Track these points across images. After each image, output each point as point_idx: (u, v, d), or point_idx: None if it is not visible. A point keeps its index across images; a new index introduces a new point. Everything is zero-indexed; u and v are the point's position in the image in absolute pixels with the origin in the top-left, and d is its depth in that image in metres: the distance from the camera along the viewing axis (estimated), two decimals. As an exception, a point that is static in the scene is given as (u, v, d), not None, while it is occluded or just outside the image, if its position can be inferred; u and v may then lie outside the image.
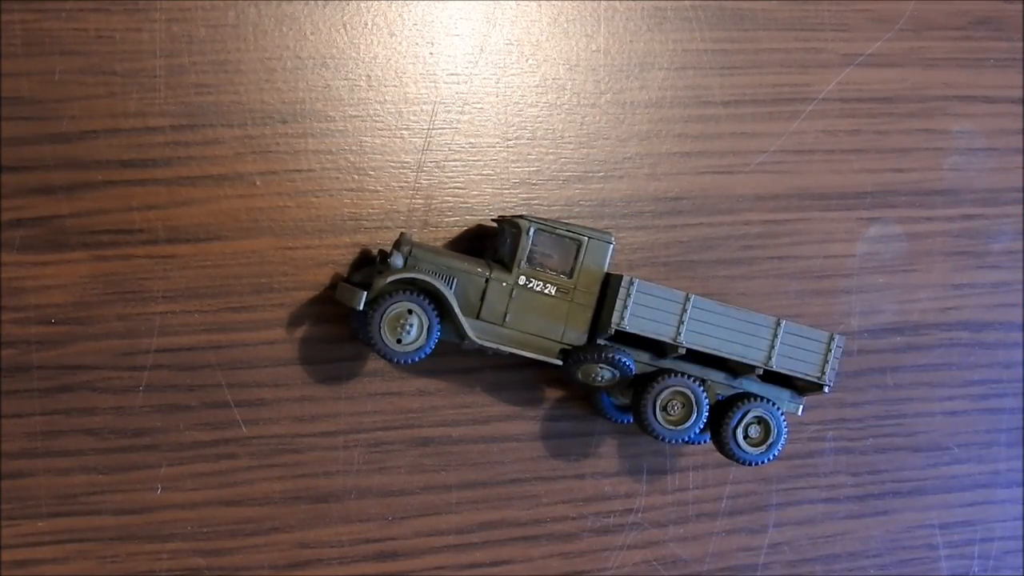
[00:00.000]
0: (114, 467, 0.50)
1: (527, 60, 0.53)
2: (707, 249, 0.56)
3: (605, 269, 0.49)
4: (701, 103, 0.55)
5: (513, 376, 0.54)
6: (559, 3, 0.53)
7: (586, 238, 0.49)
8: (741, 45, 0.55)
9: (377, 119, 0.52)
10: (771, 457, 0.51)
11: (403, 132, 0.52)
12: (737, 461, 0.51)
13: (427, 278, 0.47)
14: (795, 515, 0.58)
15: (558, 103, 0.54)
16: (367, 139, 0.51)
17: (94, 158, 0.49)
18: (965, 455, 0.60)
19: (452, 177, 0.53)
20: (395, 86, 0.52)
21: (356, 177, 0.51)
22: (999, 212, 0.59)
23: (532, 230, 0.49)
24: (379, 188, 0.52)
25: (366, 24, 0.51)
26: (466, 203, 0.53)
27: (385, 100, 0.52)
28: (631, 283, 0.48)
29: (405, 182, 0.52)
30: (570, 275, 0.49)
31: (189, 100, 0.49)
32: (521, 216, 0.49)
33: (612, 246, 0.49)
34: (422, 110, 0.52)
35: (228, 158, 0.50)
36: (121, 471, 0.50)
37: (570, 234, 0.49)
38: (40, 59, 0.48)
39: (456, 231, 0.53)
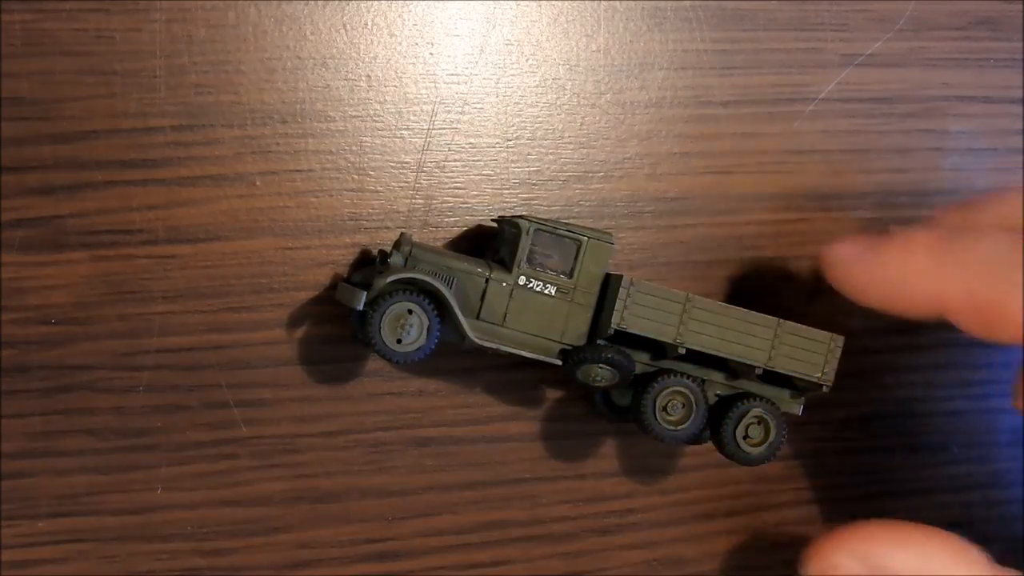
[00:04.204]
0: (114, 467, 0.50)
1: (527, 60, 0.53)
2: (707, 249, 0.56)
3: (605, 269, 0.49)
4: (701, 103, 0.55)
5: (513, 376, 0.54)
6: (559, 3, 0.53)
7: (586, 238, 0.49)
8: (741, 45, 0.55)
9: (377, 119, 0.52)
10: (771, 457, 0.51)
11: (403, 132, 0.52)
12: (737, 461, 0.51)
13: (427, 278, 0.47)
14: (794, 515, 0.58)
15: (558, 103, 0.54)
16: (367, 139, 0.51)
17: (94, 158, 0.49)
18: (965, 455, 0.60)
19: (452, 177, 0.53)
20: (395, 86, 0.52)
21: (356, 177, 0.51)
22: (999, 212, 0.59)
23: (532, 230, 0.49)
24: (379, 188, 0.52)
25: (366, 24, 0.51)
26: (466, 203, 0.53)
27: (385, 100, 0.52)
28: (631, 283, 0.48)
29: (405, 182, 0.52)
30: (570, 275, 0.49)
31: (189, 100, 0.49)
32: (521, 216, 0.49)
33: (613, 246, 0.49)
34: (422, 110, 0.52)
35: (228, 158, 0.50)
36: (121, 471, 0.50)
37: (570, 234, 0.49)
38: (40, 59, 0.48)
39: (456, 231, 0.53)
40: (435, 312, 0.47)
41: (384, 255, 0.49)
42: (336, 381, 0.52)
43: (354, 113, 0.51)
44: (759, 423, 0.51)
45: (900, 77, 0.57)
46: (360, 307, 0.47)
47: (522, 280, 0.49)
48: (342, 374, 0.52)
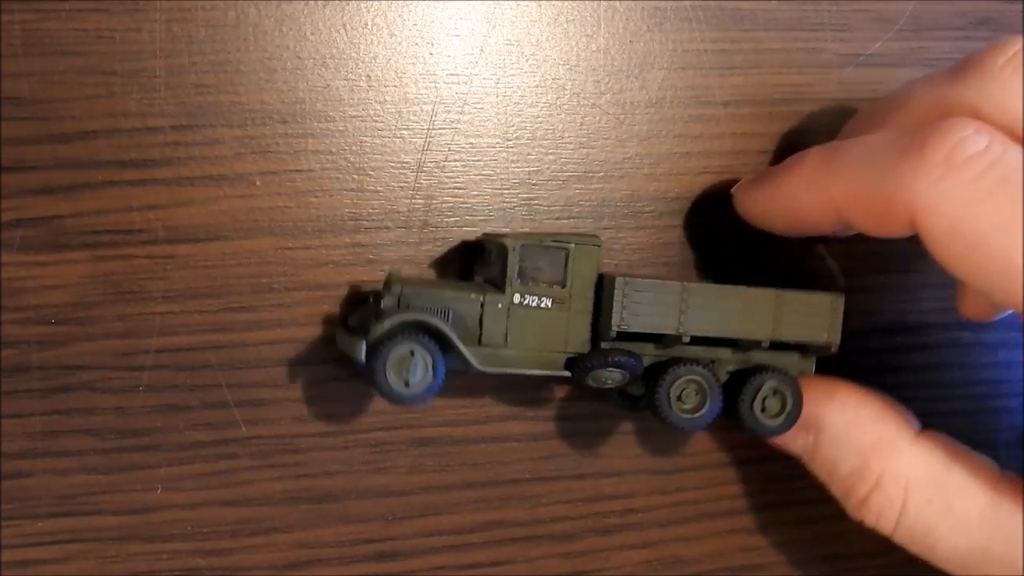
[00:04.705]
0: (114, 467, 0.50)
1: (527, 60, 0.53)
2: (707, 249, 0.56)
3: (596, 272, 0.50)
4: (701, 103, 0.55)
5: (513, 376, 0.54)
6: (559, 3, 0.53)
7: (572, 245, 0.49)
8: (741, 45, 0.55)
9: (377, 119, 0.52)
10: (792, 425, 0.51)
11: (403, 132, 0.52)
12: (759, 435, 0.51)
13: (424, 317, 0.47)
14: (795, 515, 0.58)
15: (558, 103, 0.54)
16: (367, 139, 0.51)
17: (94, 158, 0.49)
18: (965, 455, 0.60)
19: (452, 177, 0.53)
20: (395, 86, 0.52)
21: (356, 177, 0.51)
22: (999, 212, 0.59)
23: (518, 247, 0.49)
24: (379, 188, 0.52)
25: (366, 24, 0.51)
26: (466, 203, 0.53)
27: (385, 100, 0.52)
28: (625, 283, 0.48)
29: (405, 182, 0.52)
30: (563, 284, 0.49)
31: (189, 100, 0.49)
32: (504, 235, 0.49)
33: (599, 248, 0.49)
34: (422, 110, 0.52)
35: (228, 158, 0.50)
36: (121, 471, 0.50)
37: (556, 244, 0.49)
38: (40, 59, 0.48)
39: (456, 231, 0.53)
40: (436, 346, 0.47)
41: (377, 297, 0.49)
42: (336, 381, 0.52)
43: (354, 113, 0.51)
44: (774, 394, 0.51)
45: (900, 77, 0.57)
46: (362, 358, 0.46)
47: (516, 298, 0.49)
48: (342, 374, 0.52)
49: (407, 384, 0.46)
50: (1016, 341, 0.60)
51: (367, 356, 0.46)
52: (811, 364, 0.52)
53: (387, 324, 0.46)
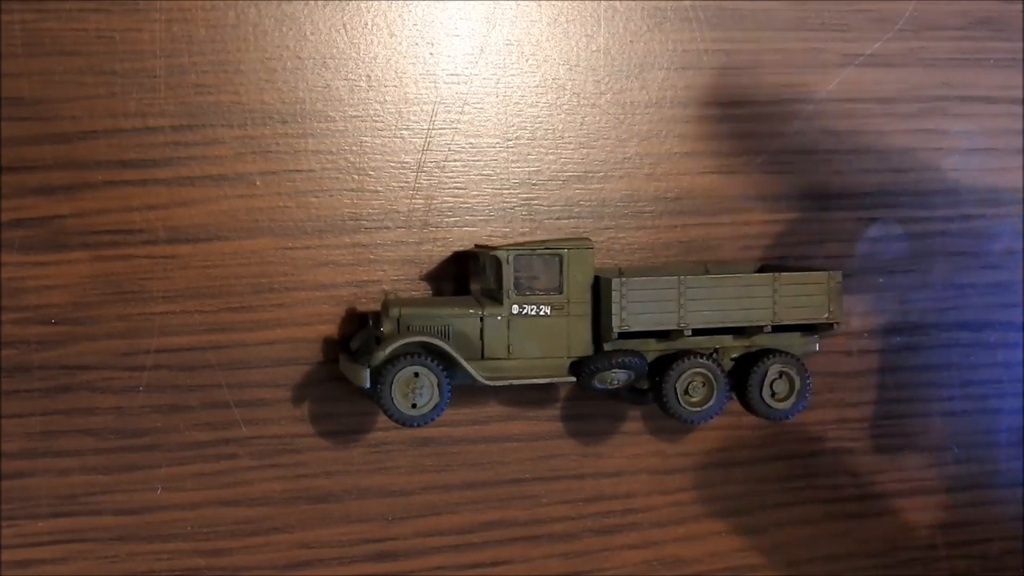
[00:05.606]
0: (114, 467, 0.50)
1: (527, 60, 0.53)
2: (707, 249, 0.56)
3: (592, 275, 0.50)
4: (701, 103, 0.55)
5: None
6: (559, 3, 0.53)
7: (565, 250, 0.49)
8: (741, 45, 0.55)
9: (377, 119, 0.52)
10: (803, 404, 0.51)
11: (403, 132, 0.52)
12: (772, 420, 0.51)
13: (425, 339, 0.47)
14: (795, 515, 0.58)
15: (558, 103, 0.54)
16: (367, 139, 0.51)
17: (94, 158, 0.49)
18: (965, 455, 0.60)
19: (452, 177, 0.53)
20: (395, 86, 0.52)
21: (356, 177, 0.51)
22: (999, 212, 0.59)
23: (511, 258, 0.49)
24: (379, 188, 0.52)
25: (366, 24, 0.51)
26: (466, 203, 0.53)
27: (385, 100, 0.52)
28: (621, 284, 0.48)
29: (405, 182, 0.52)
30: (560, 290, 0.49)
31: (189, 100, 0.49)
32: (496, 247, 0.49)
33: (592, 251, 0.49)
34: (422, 110, 0.52)
35: (228, 158, 0.50)
36: (121, 471, 0.50)
37: (548, 251, 0.49)
38: (40, 59, 0.48)
39: (456, 231, 0.53)
40: (440, 365, 0.47)
41: (376, 319, 0.49)
42: (336, 381, 0.52)
43: (354, 113, 0.51)
44: (781, 376, 0.51)
45: (900, 77, 0.57)
46: (368, 385, 0.47)
47: (515, 309, 0.49)
48: (342, 374, 0.52)
49: (414, 406, 0.47)
50: (1016, 341, 0.60)
51: (372, 382, 0.47)
52: (814, 342, 0.52)
53: (389, 350, 0.47)
